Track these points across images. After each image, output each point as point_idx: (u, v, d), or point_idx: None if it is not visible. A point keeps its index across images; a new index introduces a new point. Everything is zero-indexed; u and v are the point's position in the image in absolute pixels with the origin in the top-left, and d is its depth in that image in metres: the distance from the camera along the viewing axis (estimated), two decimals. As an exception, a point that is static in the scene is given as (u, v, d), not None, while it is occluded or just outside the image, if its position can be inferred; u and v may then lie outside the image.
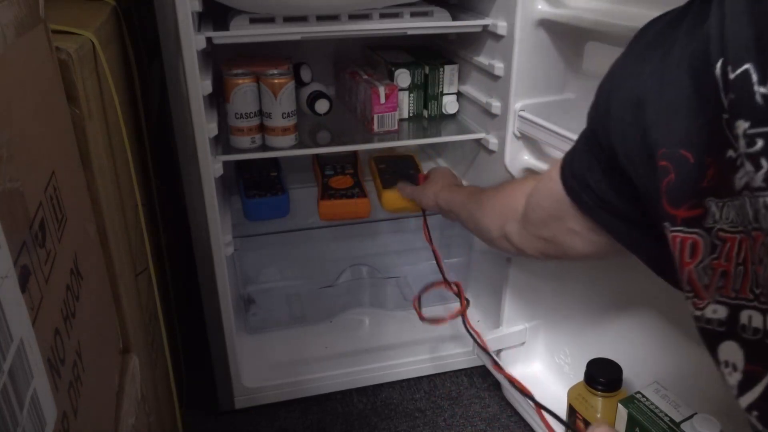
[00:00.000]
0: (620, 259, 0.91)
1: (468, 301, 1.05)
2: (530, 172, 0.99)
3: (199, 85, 0.85)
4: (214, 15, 0.96)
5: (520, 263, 1.07)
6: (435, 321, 1.03)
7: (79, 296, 0.47)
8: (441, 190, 0.97)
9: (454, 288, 1.05)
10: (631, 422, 0.79)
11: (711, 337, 0.44)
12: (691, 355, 0.83)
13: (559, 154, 0.90)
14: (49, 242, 0.41)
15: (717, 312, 0.44)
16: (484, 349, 1.04)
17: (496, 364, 1.02)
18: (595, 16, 0.82)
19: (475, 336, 1.02)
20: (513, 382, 0.95)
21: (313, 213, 1.13)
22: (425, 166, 1.29)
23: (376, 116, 1.05)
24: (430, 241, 1.07)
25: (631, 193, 0.55)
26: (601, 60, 0.90)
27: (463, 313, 1.03)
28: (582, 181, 0.62)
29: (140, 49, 0.94)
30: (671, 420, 0.76)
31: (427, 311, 1.07)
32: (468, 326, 1.02)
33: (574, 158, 0.63)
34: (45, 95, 0.47)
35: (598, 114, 0.56)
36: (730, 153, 0.40)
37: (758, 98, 0.37)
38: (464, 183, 1.13)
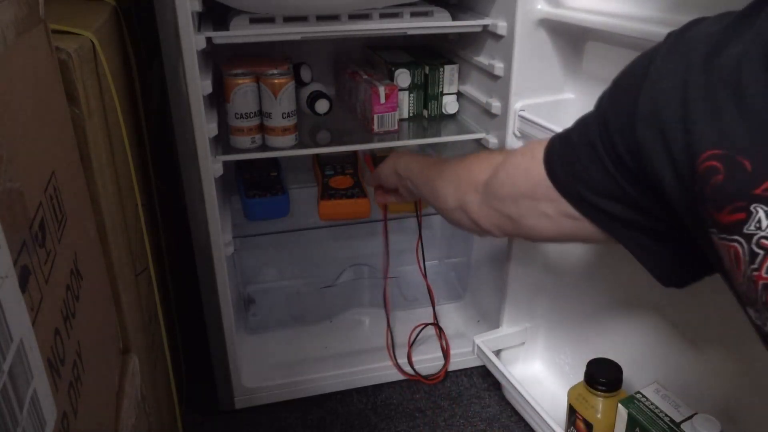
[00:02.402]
0: (612, 256, 0.91)
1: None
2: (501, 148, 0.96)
3: (199, 85, 0.85)
4: (214, 15, 0.96)
5: (521, 263, 1.07)
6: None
7: (79, 296, 0.47)
8: (400, 156, 0.92)
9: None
10: (632, 422, 0.79)
11: None
12: (691, 355, 0.83)
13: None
14: (49, 242, 0.41)
15: None
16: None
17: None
18: (595, 16, 0.82)
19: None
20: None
21: (313, 213, 1.13)
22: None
23: (376, 116, 1.05)
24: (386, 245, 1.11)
25: (640, 192, 0.53)
26: (601, 60, 0.90)
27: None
28: (575, 174, 0.59)
29: (140, 49, 0.94)
30: (671, 420, 0.76)
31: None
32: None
33: (567, 146, 0.60)
34: (45, 95, 0.47)
35: (619, 105, 0.53)
36: None
37: None
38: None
